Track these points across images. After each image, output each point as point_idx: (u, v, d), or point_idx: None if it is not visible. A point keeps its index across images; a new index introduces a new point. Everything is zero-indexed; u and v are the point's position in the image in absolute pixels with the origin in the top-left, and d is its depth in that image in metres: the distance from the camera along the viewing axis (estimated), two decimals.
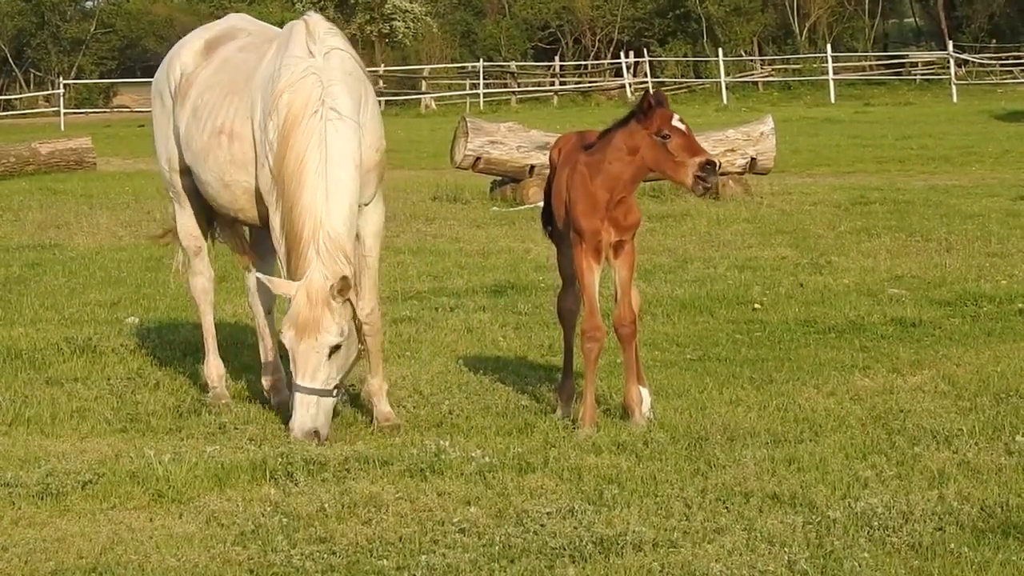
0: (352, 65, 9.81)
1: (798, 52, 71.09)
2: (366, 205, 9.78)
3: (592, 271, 9.24)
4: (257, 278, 9.89)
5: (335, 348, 9.26)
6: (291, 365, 9.37)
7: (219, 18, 11.38)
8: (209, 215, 10.71)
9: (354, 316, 9.38)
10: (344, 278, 9.19)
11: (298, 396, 9.30)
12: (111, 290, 15.79)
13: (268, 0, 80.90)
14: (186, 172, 10.48)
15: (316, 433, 9.22)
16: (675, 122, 8.88)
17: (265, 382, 10.44)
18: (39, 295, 15.49)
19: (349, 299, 9.28)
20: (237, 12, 12.35)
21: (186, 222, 10.77)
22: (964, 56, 63.47)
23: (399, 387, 10.69)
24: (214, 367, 10.71)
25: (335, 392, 9.38)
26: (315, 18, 9.96)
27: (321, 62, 9.62)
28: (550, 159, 9.91)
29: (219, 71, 10.28)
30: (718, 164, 8.79)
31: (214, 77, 10.26)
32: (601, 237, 9.18)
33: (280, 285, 9.49)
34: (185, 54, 10.57)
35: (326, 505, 7.81)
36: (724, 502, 7.73)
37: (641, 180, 9.20)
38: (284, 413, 9.89)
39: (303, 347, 9.23)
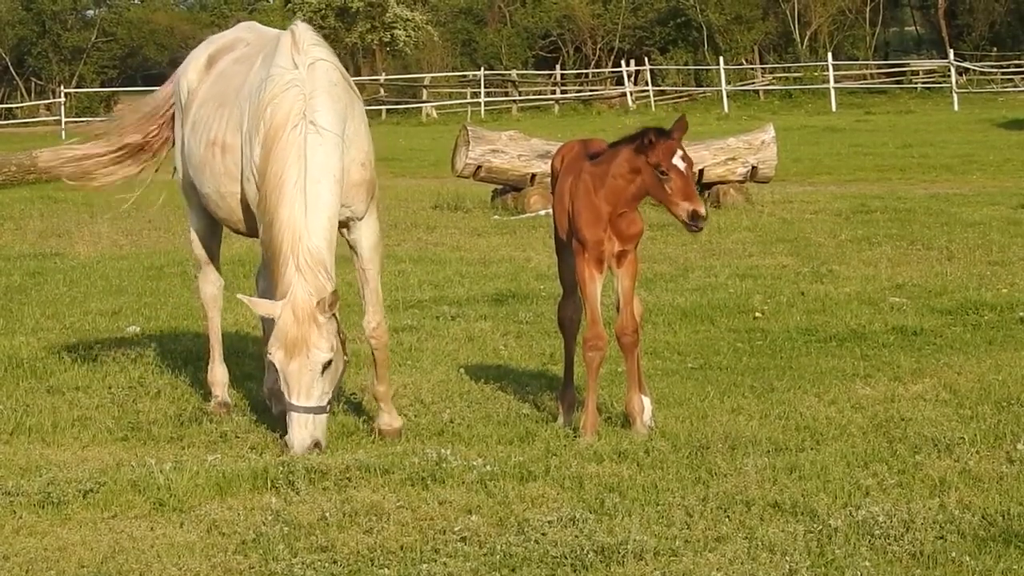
0: (337, 76, 9.74)
1: (799, 60, 71.13)
2: (359, 220, 9.74)
3: (594, 280, 9.25)
4: (239, 298, 9.83)
5: (326, 364, 9.22)
6: (282, 385, 9.29)
7: (219, 27, 11.44)
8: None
9: (339, 331, 9.34)
10: (334, 292, 9.16)
11: (294, 416, 9.21)
12: (112, 299, 15.81)
13: (269, 9, 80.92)
14: (193, 184, 10.52)
15: (316, 444, 9.18)
16: (676, 160, 8.87)
17: (266, 390, 10.43)
18: (40, 304, 15.50)
19: (335, 314, 9.24)
20: (237, 19, 12.39)
21: (197, 232, 10.82)
22: (965, 64, 63.52)
23: (401, 396, 10.68)
24: (219, 373, 10.73)
25: (328, 407, 9.33)
26: (302, 28, 9.92)
27: (305, 74, 9.56)
28: (552, 167, 9.90)
29: (215, 84, 10.35)
30: (706, 216, 8.93)
31: (210, 90, 10.34)
32: (604, 247, 9.18)
33: (261, 305, 9.46)
34: (191, 70, 10.64)
35: (327, 514, 7.81)
36: (725, 510, 7.73)
37: (643, 198, 9.19)
38: (284, 423, 9.89)
39: (294, 366, 9.16)
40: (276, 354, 9.21)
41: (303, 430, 9.18)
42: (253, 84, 9.81)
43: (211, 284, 10.91)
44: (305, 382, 9.17)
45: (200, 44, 11.10)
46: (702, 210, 8.88)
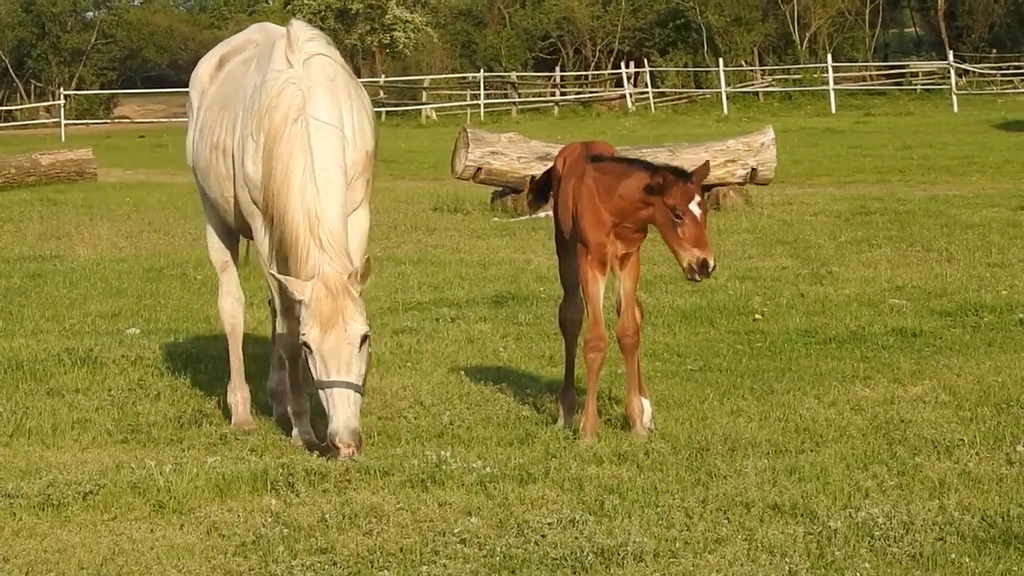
0: (333, 70, 9.68)
1: (798, 62, 71.11)
2: (354, 210, 9.60)
3: (597, 282, 9.25)
4: (273, 275, 9.44)
5: (363, 339, 8.96)
6: (315, 367, 8.96)
7: (219, 28, 11.42)
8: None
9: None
10: (368, 259, 9.03)
11: (336, 392, 8.88)
12: (112, 301, 15.81)
13: (268, 11, 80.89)
14: (203, 189, 10.46)
15: (358, 435, 8.90)
16: (692, 205, 8.74)
17: (268, 392, 10.41)
18: (40, 306, 15.50)
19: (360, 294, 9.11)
20: (237, 21, 12.38)
21: (212, 238, 10.61)
22: (964, 66, 63.50)
23: (400, 397, 10.69)
24: (239, 391, 10.35)
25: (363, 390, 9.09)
26: (297, 26, 9.82)
27: (300, 71, 9.50)
28: (554, 168, 9.89)
29: (222, 86, 10.27)
30: (713, 266, 8.78)
31: (217, 93, 10.27)
32: (607, 249, 9.18)
33: (295, 284, 9.06)
34: (203, 72, 10.57)
35: (327, 516, 7.81)
36: (725, 512, 7.73)
37: (648, 223, 9.12)
38: (285, 424, 9.90)
39: (331, 340, 8.89)
40: (310, 333, 8.91)
41: (347, 408, 8.89)
42: (248, 88, 9.77)
43: (229, 297, 10.59)
44: (345, 356, 8.91)
45: (216, 46, 11.06)
46: (712, 260, 8.77)
